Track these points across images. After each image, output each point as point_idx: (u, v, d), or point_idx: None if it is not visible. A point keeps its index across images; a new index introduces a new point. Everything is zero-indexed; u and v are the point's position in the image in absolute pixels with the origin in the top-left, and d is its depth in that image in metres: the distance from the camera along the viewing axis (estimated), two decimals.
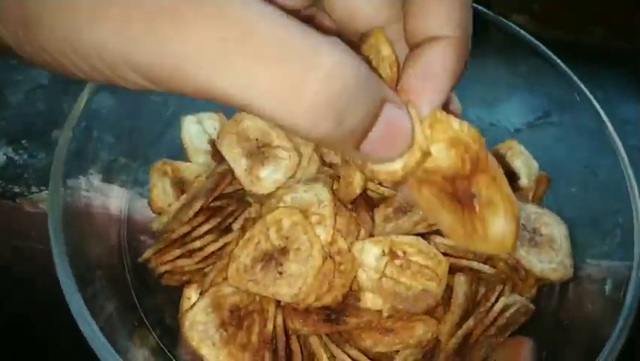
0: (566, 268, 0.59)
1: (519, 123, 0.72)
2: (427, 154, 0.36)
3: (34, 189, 0.73)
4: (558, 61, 0.65)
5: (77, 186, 0.58)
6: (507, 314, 0.54)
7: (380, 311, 0.55)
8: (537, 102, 0.71)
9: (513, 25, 0.67)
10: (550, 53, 0.66)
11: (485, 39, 0.68)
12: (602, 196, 0.64)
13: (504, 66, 0.71)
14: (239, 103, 0.29)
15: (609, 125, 0.62)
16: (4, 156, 0.76)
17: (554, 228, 0.61)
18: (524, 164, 0.66)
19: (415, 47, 0.37)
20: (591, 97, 0.63)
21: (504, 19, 0.66)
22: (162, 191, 0.62)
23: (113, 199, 0.63)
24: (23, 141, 0.77)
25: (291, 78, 0.29)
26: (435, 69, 0.36)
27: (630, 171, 0.60)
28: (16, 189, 0.73)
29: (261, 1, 0.29)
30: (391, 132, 0.34)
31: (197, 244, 0.57)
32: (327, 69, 0.29)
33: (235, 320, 0.55)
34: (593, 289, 0.60)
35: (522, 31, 0.66)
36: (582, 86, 0.64)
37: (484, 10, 0.66)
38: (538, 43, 0.66)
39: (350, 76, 0.30)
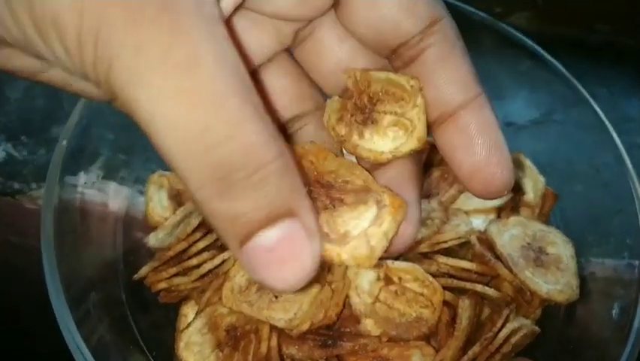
0: (572, 289, 0.58)
1: (522, 122, 0.72)
2: (423, 143, 0.36)
3: (33, 185, 0.73)
4: (555, 61, 0.65)
5: (73, 192, 0.57)
6: (513, 341, 0.53)
7: (378, 337, 0.53)
8: (540, 101, 0.71)
9: (510, 29, 0.67)
10: (545, 53, 0.66)
11: (486, 40, 0.68)
12: (606, 194, 0.63)
13: (506, 65, 0.70)
14: (143, 119, 0.27)
15: (608, 124, 0.62)
16: (4, 153, 0.75)
17: (560, 247, 0.59)
18: (531, 178, 0.65)
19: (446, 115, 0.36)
20: (587, 95, 0.63)
21: (503, 21, 0.67)
22: (158, 204, 0.61)
23: (111, 201, 0.62)
24: (23, 138, 0.76)
25: (204, 127, 0.26)
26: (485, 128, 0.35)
27: (632, 170, 0.60)
28: (16, 186, 0.73)
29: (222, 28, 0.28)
30: (284, 249, 0.29)
31: (194, 261, 0.56)
32: (243, 137, 0.27)
33: (231, 340, 0.54)
34: (600, 310, 0.59)
35: (519, 34, 0.67)
36: (578, 84, 0.64)
37: (481, 12, 0.67)
38: (534, 44, 0.66)
39: (264, 156, 0.28)
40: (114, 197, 0.63)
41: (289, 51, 0.40)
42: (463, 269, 0.57)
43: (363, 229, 0.33)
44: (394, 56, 0.36)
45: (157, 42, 0.26)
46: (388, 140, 0.36)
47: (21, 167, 0.74)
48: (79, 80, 0.32)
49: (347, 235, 0.32)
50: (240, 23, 0.36)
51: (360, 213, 0.33)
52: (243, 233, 0.28)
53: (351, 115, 0.37)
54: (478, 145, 0.35)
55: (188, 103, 0.26)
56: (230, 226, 0.29)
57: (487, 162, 0.34)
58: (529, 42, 0.65)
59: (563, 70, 0.63)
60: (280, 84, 0.39)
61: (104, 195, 0.62)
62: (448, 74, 0.35)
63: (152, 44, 0.26)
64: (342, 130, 0.36)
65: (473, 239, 0.58)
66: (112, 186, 0.63)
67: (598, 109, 0.61)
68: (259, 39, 0.37)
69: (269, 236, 0.28)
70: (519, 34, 0.65)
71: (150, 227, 0.61)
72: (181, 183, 0.31)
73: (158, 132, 0.27)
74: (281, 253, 0.29)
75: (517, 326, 0.54)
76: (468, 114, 0.35)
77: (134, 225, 0.63)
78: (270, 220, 0.28)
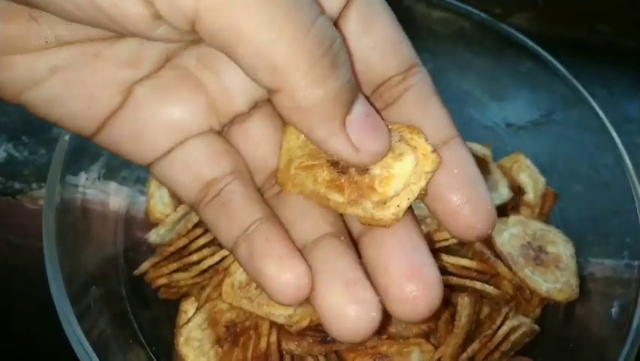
0: (571, 288, 0.58)
1: (522, 122, 0.72)
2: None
3: (34, 185, 0.73)
4: (554, 61, 0.65)
5: (74, 191, 0.58)
6: (512, 338, 0.53)
7: (377, 334, 0.53)
8: (540, 101, 0.71)
9: (510, 29, 0.67)
10: (546, 53, 0.66)
11: (486, 40, 0.68)
12: (606, 194, 0.63)
13: (506, 66, 0.71)
14: (239, 33, 0.28)
15: (609, 125, 0.62)
16: (5, 153, 0.75)
17: (560, 246, 0.60)
18: (531, 178, 0.65)
19: None
20: (587, 95, 0.63)
21: (503, 21, 0.67)
22: (160, 201, 0.62)
23: (111, 200, 0.62)
24: (23, 138, 0.76)
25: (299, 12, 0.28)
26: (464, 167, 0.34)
27: (632, 171, 0.60)
28: (17, 186, 0.73)
29: None
30: (373, 113, 0.32)
31: (194, 257, 0.56)
32: (324, 15, 0.29)
33: (231, 336, 0.54)
34: (599, 309, 0.59)
35: (518, 34, 0.67)
36: (578, 85, 0.64)
37: (483, 13, 0.67)
38: (534, 45, 0.66)
39: (335, 32, 0.30)
40: (115, 196, 0.63)
41: None
42: (463, 267, 0.57)
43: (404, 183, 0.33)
44: (374, 96, 0.36)
45: None
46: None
47: (22, 167, 0.74)
48: (60, 107, 0.34)
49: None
50: None
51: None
52: (345, 107, 0.31)
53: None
54: (456, 188, 0.33)
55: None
56: (332, 105, 0.30)
57: (463, 207, 0.33)
58: (530, 42, 0.65)
59: (564, 70, 0.64)
60: (263, 133, 0.38)
61: (105, 194, 0.62)
62: (429, 113, 0.35)
63: None
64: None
65: None
66: (113, 185, 0.63)
67: (598, 109, 0.62)
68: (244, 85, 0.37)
69: (362, 103, 0.32)
70: (519, 35, 0.66)
71: (151, 224, 0.61)
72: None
73: (256, 37, 0.28)
74: (373, 118, 0.32)
75: (517, 324, 0.54)
76: (447, 152, 0.34)
77: (135, 223, 0.63)
78: (357, 92, 0.32)
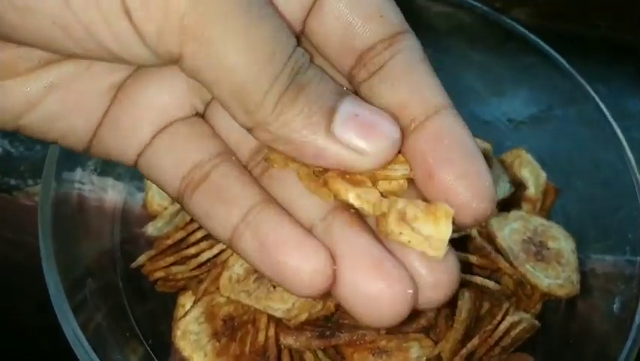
0: (572, 283, 0.57)
1: (523, 117, 0.72)
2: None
3: (30, 182, 0.72)
4: (557, 56, 0.65)
5: (70, 186, 0.57)
6: (512, 334, 0.53)
7: (377, 329, 0.53)
8: (541, 96, 0.70)
9: (512, 22, 0.67)
10: (547, 46, 0.66)
11: (486, 35, 0.68)
12: (607, 190, 0.63)
13: (506, 61, 0.70)
14: (212, 65, 0.29)
15: (611, 119, 0.62)
16: (0, 149, 0.75)
17: (562, 242, 0.59)
18: (532, 174, 0.65)
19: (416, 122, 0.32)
20: (590, 90, 0.63)
21: (503, 15, 0.67)
22: (158, 193, 0.61)
23: (108, 195, 0.62)
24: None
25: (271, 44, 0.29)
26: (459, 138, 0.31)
27: (634, 166, 0.59)
28: (12, 182, 0.72)
29: None
30: (366, 112, 0.31)
31: (192, 250, 0.55)
32: (293, 52, 0.30)
33: (228, 330, 0.54)
34: (600, 305, 0.58)
35: (520, 27, 0.66)
36: (581, 79, 0.64)
37: (484, 6, 0.67)
38: (535, 38, 0.66)
39: (305, 59, 0.31)
40: (111, 191, 0.63)
41: None
42: (463, 262, 0.56)
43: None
44: (358, 66, 0.33)
45: None
46: None
47: (17, 163, 0.73)
48: (59, 124, 0.33)
49: None
50: None
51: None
52: (323, 117, 0.30)
53: None
54: (447, 162, 0.30)
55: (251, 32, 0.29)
56: (309, 121, 0.30)
57: (456, 183, 0.30)
58: (532, 36, 0.65)
59: (566, 64, 0.63)
60: None
61: (102, 189, 0.62)
62: (417, 80, 0.32)
63: None
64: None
65: (474, 232, 0.58)
66: (109, 181, 0.63)
67: (601, 104, 0.61)
68: None
69: (346, 103, 0.31)
70: (521, 28, 0.65)
71: (149, 216, 0.61)
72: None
73: (235, 74, 0.29)
74: (366, 116, 0.30)
75: (517, 320, 0.54)
76: (437, 122, 0.31)
77: (132, 217, 0.63)
78: (339, 96, 0.31)
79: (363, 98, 0.33)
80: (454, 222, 0.30)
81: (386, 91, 0.32)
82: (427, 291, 0.30)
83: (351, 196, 0.31)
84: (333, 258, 0.29)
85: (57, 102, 0.32)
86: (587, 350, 0.56)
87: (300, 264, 0.29)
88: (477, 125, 0.70)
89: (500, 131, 0.70)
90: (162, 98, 0.34)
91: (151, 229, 0.57)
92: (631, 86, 0.85)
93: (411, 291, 0.29)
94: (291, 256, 0.29)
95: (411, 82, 0.32)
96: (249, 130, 0.31)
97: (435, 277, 0.30)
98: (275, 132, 0.30)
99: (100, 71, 0.33)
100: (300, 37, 0.35)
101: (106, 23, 0.28)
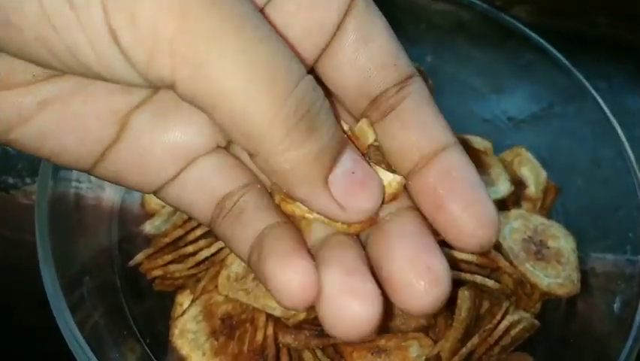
0: (573, 282, 0.57)
1: (523, 115, 0.71)
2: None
3: (27, 180, 0.72)
4: (557, 54, 0.65)
5: (67, 184, 0.57)
6: (512, 333, 0.53)
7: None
8: (541, 94, 0.70)
9: (512, 20, 0.67)
10: (547, 44, 0.66)
11: (486, 33, 0.67)
12: (608, 189, 0.63)
13: (506, 59, 0.70)
14: (213, 94, 0.28)
15: (612, 117, 0.62)
16: None
17: (562, 241, 0.59)
18: (532, 172, 0.64)
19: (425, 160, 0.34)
20: (590, 88, 0.63)
21: (503, 13, 0.67)
22: None
23: (106, 193, 0.62)
24: None
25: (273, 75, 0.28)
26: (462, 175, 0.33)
27: (635, 164, 0.60)
28: (10, 180, 0.72)
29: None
30: (360, 168, 0.32)
31: (190, 249, 0.55)
32: (301, 80, 0.29)
33: (227, 329, 0.53)
34: (600, 304, 0.58)
35: (520, 25, 0.67)
36: (581, 77, 0.64)
37: (484, 4, 0.67)
38: (536, 36, 0.66)
39: (317, 93, 0.30)
40: (109, 190, 0.62)
41: None
42: (463, 261, 0.56)
43: None
44: (372, 108, 0.35)
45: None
46: None
47: (15, 161, 0.73)
48: (51, 143, 0.32)
49: None
50: None
51: None
52: (326, 166, 0.30)
53: None
54: (456, 194, 0.32)
55: (256, 64, 0.28)
56: (311, 167, 0.30)
57: (463, 214, 0.31)
58: (532, 34, 0.65)
59: (566, 62, 0.63)
60: None
61: (99, 188, 0.62)
62: (426, 120, 0.34)
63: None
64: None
65: None
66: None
67: (601, 102, 0.61)
68: None
69: (347, 159, 0.31)
70: (521, 26, 0.65)
71: (146, 215, 0.61)
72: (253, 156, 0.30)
73: (231, 107, 0.28)
74: (360, 174, 0.32)
75: (517, 319, 0.54)
76: (445, 158, 0.33)
77: (130, 215, 0.62)
78: (342, 147, 0.31)
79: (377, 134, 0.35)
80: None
81: (398, 131, 0.34)
82: (415, 294, 0.30)
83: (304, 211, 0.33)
84: (315, 275, 0.30)
85: (50, 121, 0.32)
86: (588, 350, 0.56)
87: (279, 272, 0.30)
88: (477, 124, 0.70)
89: (500, 129, 0.70)
90: (186, 136, 0.34)
91: (149, 228, 0.57)
92: (631, 83, 0.85)
93: (375, 308, 0.29)
94: (272, 265, 0.30)
95: (420, 122, 0.34)
96: (251, 157, 0.30)
97: (423, 283, 0.30)
98: (274, 166, 0.30)
99: (97, 94, 0.32)
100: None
101: (90, 45, 0.27)
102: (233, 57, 0.27)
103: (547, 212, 0.65)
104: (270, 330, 0.53)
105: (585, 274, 0.59)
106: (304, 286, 0.29)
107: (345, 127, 0.36)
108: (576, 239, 0.60)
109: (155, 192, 0.35)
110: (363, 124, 0.35)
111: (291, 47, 0.32)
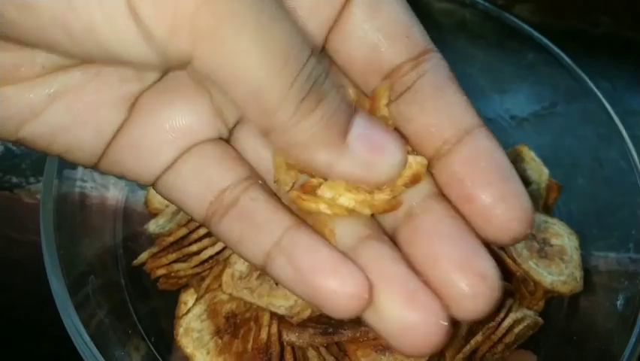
0: (576, 280, 0.57)
1: (525, 114, 0.71)
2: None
3: (31, 179, 0.72)
4: (561, 52, 0.65)
5: (72, 183, 0.57)
6: (515, 331, 0.53)
7: None
8: (543, 93, 0.70)
9: (514, 19, 0.67)
10: (550, 43, 0.65)
11: (488, 32, 0.67)
12: (610, 187, 0.63)
13: (509, 58, 0.70)
14: (229, 65, 0.28)
15: (615, 116, 0.62)
16: (2, 146, 0.74)
17: (565, 239, 0.59)
18: (535, 170, 0.64)
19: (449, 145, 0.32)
20: (593, 87, 0.63)
21: (505, 12, 0.67)
22: None
23: (110, 193, 0.62)
24: None
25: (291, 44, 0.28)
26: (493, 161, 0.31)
27: (638, 162, 0.59)
28: (14, 180, 0.72)
29: None
30: (377, 129, 0.31)
31: (194, 248, 0.55)
32: (309, 57, 0.29)
33: (231, 327, 0.53)
34: (604, 302, 0.58)
35: (524, 25, 0.66)
36: (584, 76, 0.64)
37: (487, 3, 0.66)
38: (539, 35, 0.66)
39: (321, 66, 0.30)
40: (113, 189, 0.63)
41: None
42: None
43: None
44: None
45: None
46: None
47: (19, 161, 0.73)
48: (63, 136, 0.31)
49: None
50: None
51: None
52: (341, 128, 0.30)
53: None
54: (486, 184, 0.30)
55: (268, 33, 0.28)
56: (326, 132, 0.30)
57: (495, 206, 0.30)
58: (535, 33, 0.65)
59: (569, 61, 0.63)
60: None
61: (103, 187, 0.62)
62: (447, 101, 0.32)
63: None
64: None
65: None
66: (111, 179, 0.63)
67: (604, 101, 0.61)
68: None
69: (358, 124, 0.31)
70: (524, 25, 0.65)
71: (150, 214, 0.61)
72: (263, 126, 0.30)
73: (248, 82, 0.28)
74: (376, 134, 0.31)
75: (520, 317, 0.54)
76: (471, 143, 0.31)
77: (134, 214, 0.63)
78: (351, 112, 0.31)
79: (392, 116, 0.33)
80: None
81: (416, 113, 0.32)
82: (466, 301, 0.29)
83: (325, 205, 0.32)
84: (369, 282, 0.29)
85: (62, 112, 0.31)
86: (591, 348, 0.56)
87: (338, 289, 0.29)
88: None
89: (503, 128, 0.70)
90: (186, 118, 0.33)
91: (153, 227, 0.57)
92: (634, 83, 0.85)
93: (445, 323, 0.29)
94: (329, 281, 0.29)
95: (440, 103, 0.32)
96: (265, 134, 0.30)
97: (474, 288, 0.29)
98: (292, 138, 0.30)
99: (110, 81, 0.31)
100: (321, 53, 0.34)
101: (109, 23, 0.26)
102: (250, 34, 0.27)
103: (550, 210, 0.65)
104: (274, 328, 0.53)
105: (588, 272, 0.59)
106: (364, 298, 0.29)
107: (353, 95, 0.35)
108: (579, 237, 0.60)
109: (154, 185, 0.34)
110: (380, 87, 0.34)
111: (300, 25, 0.31)
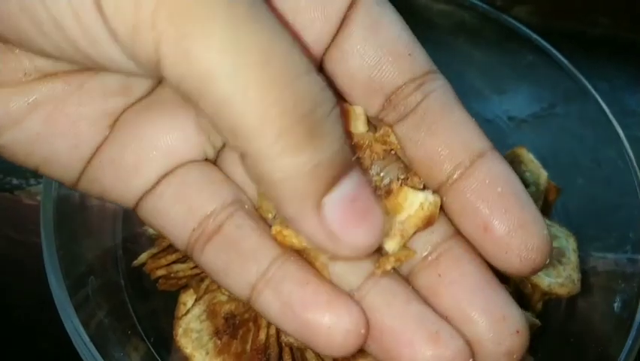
0: (573, 282, 0.57)
1: (524, 115, 0.71)
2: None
3: (32, 181, 0.72)
4: (559, 54, 0.65)
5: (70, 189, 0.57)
6: None
7: None
8: (542, 94, 0.70)
9: (513, 21, 0.66)
10: (549, 45, 0.65)
11: (488, 34, 0.67)
12: (609, 188, 0.63)
13: (508, 59, 0.70)
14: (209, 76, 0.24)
15: (612, 117, 0.61)
16: None
17: (563, 241, 0.59)
18: (533, 173, 0.64)
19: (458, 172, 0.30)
20: (591, 88, 0.63)
21: (504, 14, 0.67)
22: None
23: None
24: None
25: (284, 62, 0.24)
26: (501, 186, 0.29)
27: (635, 164, 0.59)
28: (15, 181, 0.72)
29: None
30: (363, 198, 0.27)
31: None
32: (305, 74, 0.25)
33: (230, 328, 0.54)
34: (601, 304, 0.58)
35: (522, 26, 0.66)
36: (582, 78, 0.63)
37: (485, 4, 0.66)
38: (537, 36, 0.66)
39: (326, 95, 0.25)
40: None
41: None
42: None
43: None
44: (388, 108, 0.31)
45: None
46: None
47: None
48: (42, 148, 0.30)
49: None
50: None
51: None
52: (323, 185, 0.26)
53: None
54: (503, 212, 0.29)
55: (259, 52, 0.24)
56: (305, 182, 0.25)
57: (514, 235, 0.29)
58: (533, 35, 0.65)
59: (567, 63, 0.63)
60: None
61: None
62: (456, 123, 0.31)
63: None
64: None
65: None
66: None
67: (602, 102, 0.61)
68: None
69: (350, 182, 0.26)
70: (522, 27, 0.65)
71: None
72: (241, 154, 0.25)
73: (216, 91, 0.24)
74: (362, 203, 0.27)
75: None
76: (486, 167, 0.30)
77: (134, 215, 0.62)
78: (347, 167, 0.26)
79: (398, 139, 0.31)
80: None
81: (425, 136, 0.30)
82: (489, 345, 0.28)
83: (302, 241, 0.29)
84: (366, 317, 0.28)
85: (42, 123, 0.30)
86: (588, 350, 0.56)
87: (333, 324, 0.27)
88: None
89: (501, 129, 0.70)
90: (170, 137, 0.31)
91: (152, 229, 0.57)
92: (632, 84, 0.85)
93: (471, 360, 0.28)
94: (322, 316, 0.27)
95: (450, 125, 0.31)
96: (240, 157, 0.26)
97: (496, 333, 0.29)
98: (265, 171, 0.25)
99: (92, 95, 0.30)
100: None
101: (76, 17, 0.24)
102: (220, 34, 0.23)
103: (549, 212, 0.65)
104: (273, 329, 0.53)
105: (586, 274, 0.59)
106: (361, 333, 0.27)
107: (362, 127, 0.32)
108: (577, 239, 0.60)
109: (136, 209, 0.32)
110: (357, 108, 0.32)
111: (298, 38, 0.29)
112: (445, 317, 0.28)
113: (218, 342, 0.53)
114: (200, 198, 0.31)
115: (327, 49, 0.31)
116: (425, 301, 0.29)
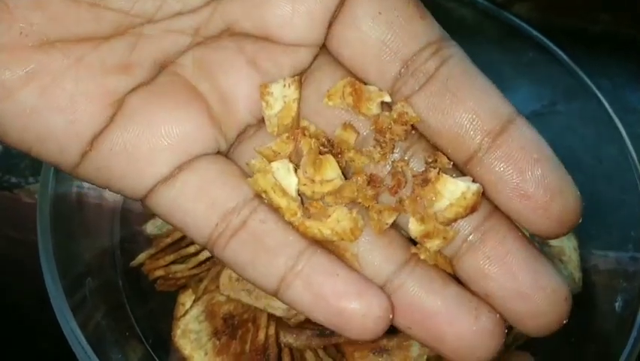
0: (574, 281, 0.57)
1: (525, 113, 0.70)
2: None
3: (30, 179, 0.72)
4: (560, 51, 0.64)
5: (69, 183, 0.57)
6: (513, 332, 0.53)
7: None
8: (543, 92, 0.70)
9: (514, 18, 0.66)
10: (549, 42, 0.65)
11: (489, 31, 0.67)
12: (610, 186, 0.63)
13: (508, 57, 0.69)
14: None
15: (613, 115, 0.61)
16: (1, 146, 0.74)
17: (564, 240, 0.59)
18: None
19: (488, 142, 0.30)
20: (592, 86, 0.62)
21: (504, 11, 0.67)
22: None
23: (108, 193, 0.62)
24: None
25: None
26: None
27: (637, 161, 0.59)
28: (13, 180, 0.72)
29: None
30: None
31: (192, 249, 0.55)
32: None
33: (229, 328, 0.53)
34: (602, 303, 0.58)
35: (523, 24, 0.66)
36: (583, 75, 0.63)
37: (486, 2, 0.66)
38: (538, 33, 0.65)
39: None
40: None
41: None
42: None
43: None
44: (405, 75, 0.30)
45: None
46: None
47: (18, 161, 0.73)
48: (36, 121, 0.29)
49: None
50: None
51: None
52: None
53: None
54: (541, 180, 0.29)
55: None
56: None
57: (552, 202, 0.29)
58: (534, 32, 0.65)
59: (568, 60, 0.63)
60: None
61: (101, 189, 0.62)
62: (480, 89, 0.30)
63: None
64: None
65: None
66: None
67: (603, 100, 0.61)
68: None
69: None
70: (523, 24, 0.65)
71: (148, 215, 0.61)
72: None
73: None
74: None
75: None
76: (517, 133, 0.30)
77: (132, 215, 0.62)
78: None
79: (417, 113, 0.30)
80: None
81: (451, 104, 0.30)
82: (545, 317, 0.30)
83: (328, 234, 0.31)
84: (390, 301, 0.29)
85: (37, 96, 0.29)
86: (589, 349, 0.56)
87: (366, 311, 0.29)
88: None
89: None
90: (183, 127, 0.31)
91: (150, 228, 0.57)
92: (633, 81, 0.84)
93: (506, 330, 0.30)
94: (356, 305, 0.29)
95: (474, 91, 0.30)
96: None
97: (551, 305, 0.30)
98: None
99: (91, 70, 0.29)
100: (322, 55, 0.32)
101: None
102: None
103: None
104: (272, 330, 0.53)
105: (587, 272, 0.59)
106: (388, 319, 0.29)
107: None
108: (578, 237, 0.60)
109: (145, 199, 0.32)
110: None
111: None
112: (495, 297, 0.30)
113: (217, 343, 0.53)
114: (223, 193, 0.31)
115: (336, 13, 0.30)
116: (474, 284, 0.30)
